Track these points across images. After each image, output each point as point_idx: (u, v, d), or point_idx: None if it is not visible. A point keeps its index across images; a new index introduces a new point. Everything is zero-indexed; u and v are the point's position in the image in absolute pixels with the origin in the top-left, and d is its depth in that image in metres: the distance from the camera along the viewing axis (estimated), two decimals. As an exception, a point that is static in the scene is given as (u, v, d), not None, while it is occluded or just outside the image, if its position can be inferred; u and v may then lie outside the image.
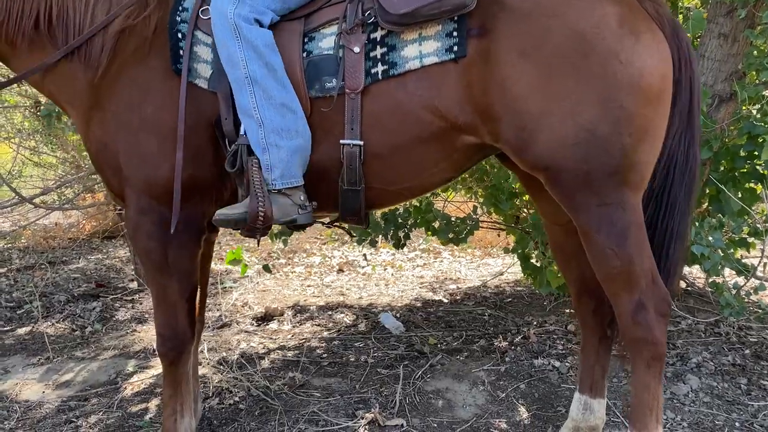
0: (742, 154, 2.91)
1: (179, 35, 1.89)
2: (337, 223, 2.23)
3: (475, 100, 1.79)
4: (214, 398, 2.73)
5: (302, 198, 1.90)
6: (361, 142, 1.84)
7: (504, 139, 1.81)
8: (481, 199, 4.10)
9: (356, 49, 1.82)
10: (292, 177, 1.87)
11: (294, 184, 1.87)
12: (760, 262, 2.98)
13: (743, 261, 3.21)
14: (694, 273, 4.13)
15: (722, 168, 3.00)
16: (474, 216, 3.84)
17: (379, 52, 1.82)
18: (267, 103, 1.81)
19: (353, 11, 1.84)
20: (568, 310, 3.77)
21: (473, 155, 1.97)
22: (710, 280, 3.16)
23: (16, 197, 4.27)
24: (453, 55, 1.78)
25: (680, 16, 3.34)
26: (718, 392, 2.65)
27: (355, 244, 5.43)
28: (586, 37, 1.71)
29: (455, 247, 5.37)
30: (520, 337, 3.34)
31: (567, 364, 2.94)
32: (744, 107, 3.09)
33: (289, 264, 5.46)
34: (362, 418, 2.50)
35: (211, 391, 2.79)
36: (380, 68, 1.82)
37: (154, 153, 1.89)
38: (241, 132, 1.86)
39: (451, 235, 3.74)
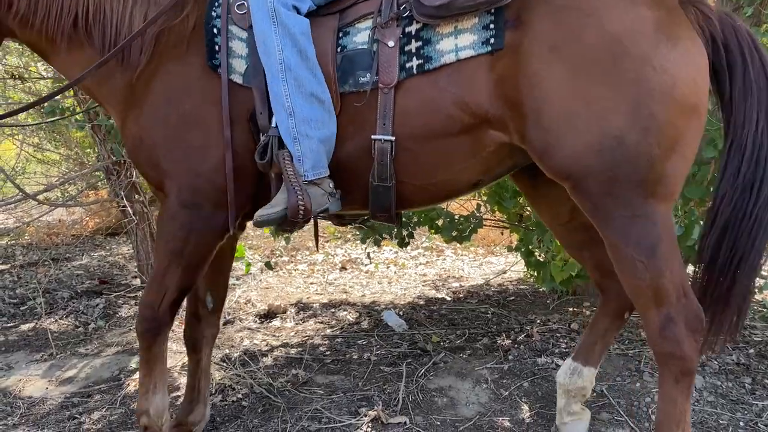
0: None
1: (214, 30, 1.89)
2: (369, 222, 2.22)
3: (505, 94, 1.75)
4: (217, 395, 2.74)
5: (330, 186, 1.89)
6: (393, 138, 1.81)
7: (528, 140, 1.76)
8: (484, 197, 4.10)
9: (390, 44, 1.80)
10: (321, 168, 1.86)
11: (323, 174, 1.87)
12: (765, 260, 2.96)
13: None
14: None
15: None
16: (477, 214, 3.83)
17: (414, 46, 1.80)
18: (298, 91, 1.79)
19: (388, 5, 1.83)
20: (571, 309, 3.76)
21: (504, 158, 1.91)
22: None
23: (20, 194, 4.27)
24: (490, 48, 1.74)
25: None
26: (723, 391, 2.64)
27: (358, 242, 5.42)
28: (619, 39, 1.66)
29: (458, 245, 5.36)
30: (523, 336, 3.33)
31: (570, 362, 2.93)
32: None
33: (291, 261, 5.46)
34: (365, 416, 2.50)
35: (214, 388, 2.79)
36: (415, 62, 1.79)
37: (194, 147, 1.90)
38: (273, 123, 1.85)
39: (454, 233, 3.73)
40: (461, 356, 3.08)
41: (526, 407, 2.57)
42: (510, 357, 3.05)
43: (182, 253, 1.97)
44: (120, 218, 4.84)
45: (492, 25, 1.74)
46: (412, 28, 1.81)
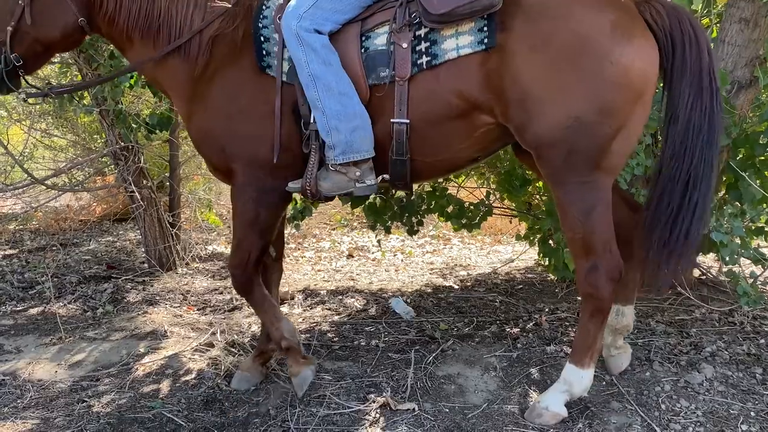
0: (762, 141, 2.86)
1: (261, 38, 2.29)
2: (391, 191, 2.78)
3: (492, 84, 2.13)
4: (225, 380, 2.74)
5: (357, 174, 2.27)
6: (408, 121, 2.20)
7: (510, 119, 2.16)
8: (493, 186, 4.08)
9: (404, 45, 2.18)
10: (354, 152, 2.24)
11: (357, 158, 2.24)
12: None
13: (760, 250, 3.18)
14: (708, 262, 4.09)
15: (741, 156, 2.95)
16: (487, 202, 3.82)
17: (423, 46, 2.18)
18: (327, 94, 2.17)
19: (401, 14, 2.20)
20: (580, 298, 3.74)
21: (495, 138, 2.30)
22: (726, 269, 3.13)
23: (28, 179, 4.27)
24: (484, 47, 2.11)
25: None
26: (733, 381, 2.62)
27: (365, 230, 5.38)
28: (584, 38, 2.05)
29: (465, 233, 5.34)
30: (531, 324, 3.32)
31: (579, 351, 2.92)
32: (764, 94, 3.04)
33: (298, 249, 5.46)
34: (374, 402, 2.50)
35: (222, 373, 2.79)
36: (424, 59, 2.18)
37: (252, 135, 2.30)
38: (311, 120, 2.25)
39: (464, 221, 3.71)
40: (469, 344, 3.07)
41: (535, 395, 2.56)
42: (518, 345, 3.04)
43: (256, 221, 2.39)
44: (127, 204, 4.84)
45: (486, 28, 2.12)
46: (421, 32, 2.19)
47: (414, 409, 2.46)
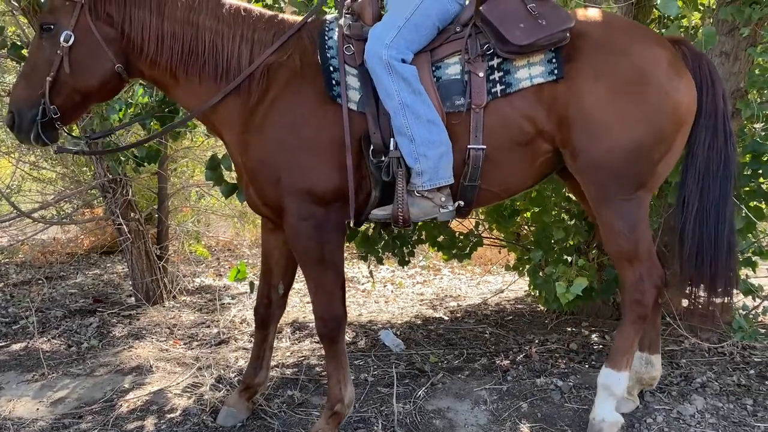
0: (747, 172, 2.90)
1: (331, 68, 2.27)
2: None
3: (557, 112, 2.25)
4: (212, 416, 2.68)
5: (443, 199, 2.30)
6: (484, 146, 2.27)
7: (568, 143, 2.27)
8: (482, 216, 4.09)
9: (480, 74, 2.27)
10: (440, 178, 2.27)
11: (442, 183, 2.27)
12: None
13: (749, 281, 3.18)
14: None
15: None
16: (476, 232, 3.82)
17: (497, 75, 2.28)
18: (417, 122, 2.21)
19: (473, 45, 2.29)
20: (569, 329, 3.73)
21: (548, 165, 2.41)
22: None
23: (15, 212, 4.24)
24: (554, 77, 2.24)
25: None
26: (724, 413, 2.60)
27: (354, 260, 5.35)
28: (645, 71, 2.22)
29: (455, 264, 5.33)
30: (521, 356, 3.30)
31: (570, 383, 2.89)
32: (747, 126, 3.08)
33: (288, 280, 5.41)
34: (362, 438, 2.46)
35: (208, 409, 2.74)
36: (499, 88, 2.27)
37: (313, 167, 2.25)
38: (391, 147, 2.24)
39: (454, 251, 3.71)
40: (459, 377, 3.04)
41: (525, 429, 2.52)
42: (509, 377, 3.01)
43: (323, 257, 2.32)
44: (115, 236, 4.81)
45: (554, 60, 2.25)
46: (494, 62, 2.29)
47: (403, 444, 2.42)
